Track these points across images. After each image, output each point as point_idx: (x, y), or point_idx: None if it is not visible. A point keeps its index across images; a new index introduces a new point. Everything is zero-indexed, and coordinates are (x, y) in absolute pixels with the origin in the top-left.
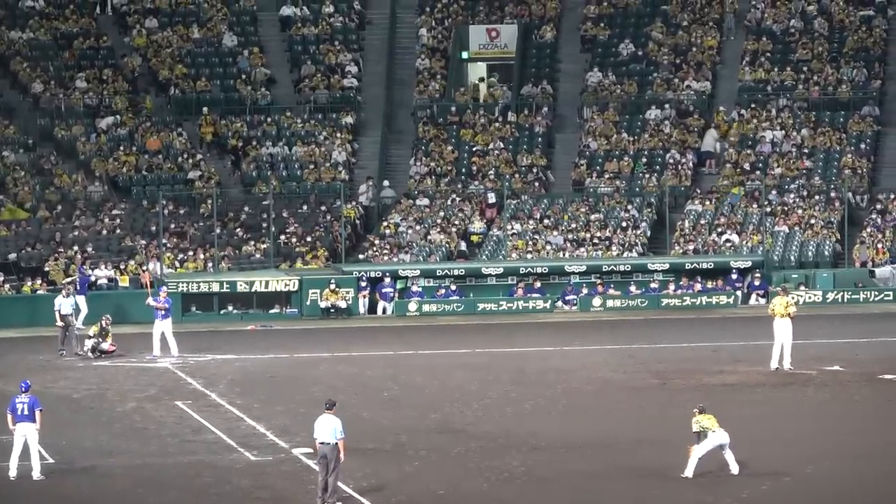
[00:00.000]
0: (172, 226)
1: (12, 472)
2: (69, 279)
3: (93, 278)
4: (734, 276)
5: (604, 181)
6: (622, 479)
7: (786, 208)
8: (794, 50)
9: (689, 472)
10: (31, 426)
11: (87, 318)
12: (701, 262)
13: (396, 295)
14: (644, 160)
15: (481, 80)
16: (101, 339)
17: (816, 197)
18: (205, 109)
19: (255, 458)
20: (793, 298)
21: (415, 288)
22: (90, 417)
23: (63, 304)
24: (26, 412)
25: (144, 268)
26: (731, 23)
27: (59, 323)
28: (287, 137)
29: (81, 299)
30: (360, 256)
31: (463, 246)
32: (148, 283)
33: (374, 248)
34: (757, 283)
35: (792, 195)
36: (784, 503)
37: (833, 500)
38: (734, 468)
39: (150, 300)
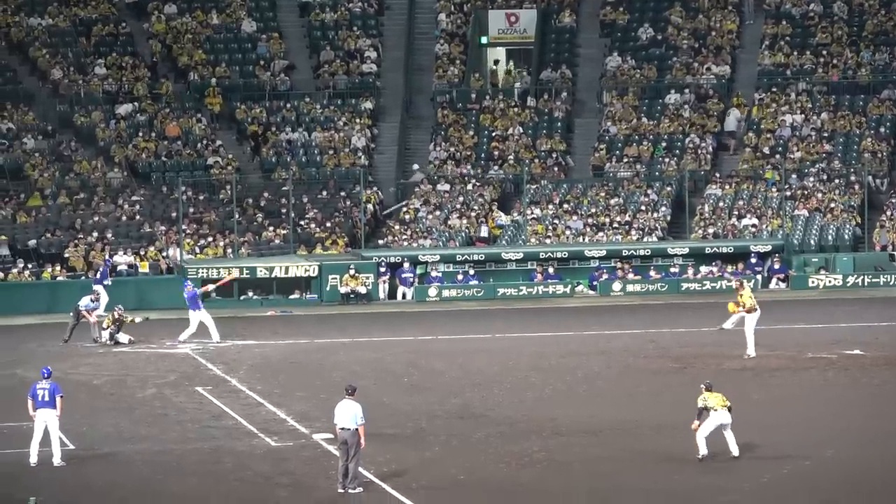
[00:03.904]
0: (192, 211)
1: (33, 459)
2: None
3: (112, 266)
4: (754, 260)
5: (623, 166)
6: (643, 464)
7: (805, 192)
8: (813, 34)
9: (701, 452)
10: (51, 412)
11: (108, 306)
12: (721, 246)
13: (416, 280)
14: (664, 144)
15: (496, 62)
16: (116, 330)
17: (836, 181)
18: (213, 81)
19: (276, 444)
20: (746, 289)
21: (434, 273)
22: (110, 404)
23: (86, 304)
24: (47, 398)
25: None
26: (751, 6)
27: (87, 318)
28: (306, 123)
29: (101, 288)
30: (380, 242)
31: (483, 232)
32: (226, 282)
33: (394, 234)
34: (777, 266)
35: (812, 179)
36: (804, 487)
37: (853, 483)
38: (734, 450)
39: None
